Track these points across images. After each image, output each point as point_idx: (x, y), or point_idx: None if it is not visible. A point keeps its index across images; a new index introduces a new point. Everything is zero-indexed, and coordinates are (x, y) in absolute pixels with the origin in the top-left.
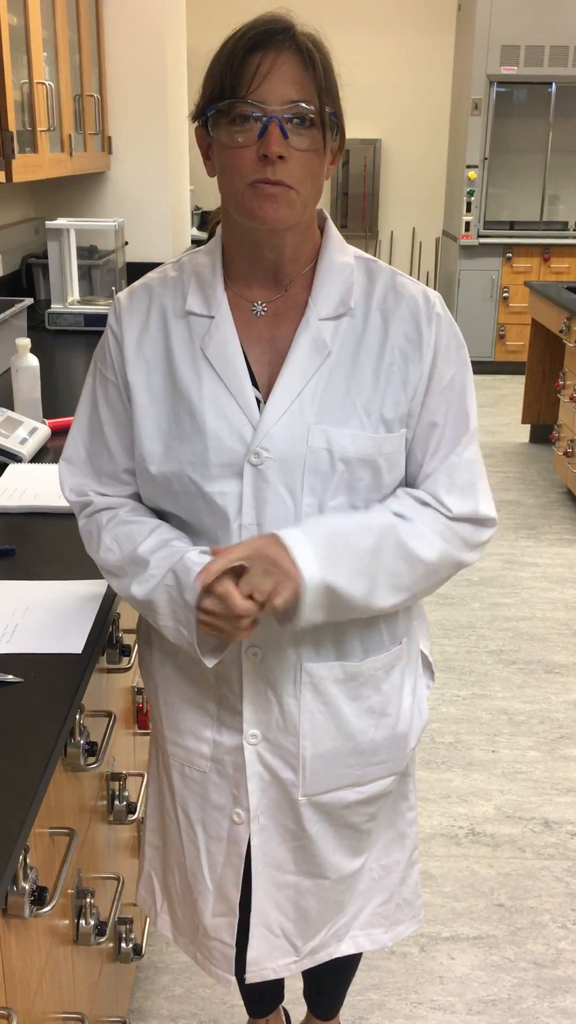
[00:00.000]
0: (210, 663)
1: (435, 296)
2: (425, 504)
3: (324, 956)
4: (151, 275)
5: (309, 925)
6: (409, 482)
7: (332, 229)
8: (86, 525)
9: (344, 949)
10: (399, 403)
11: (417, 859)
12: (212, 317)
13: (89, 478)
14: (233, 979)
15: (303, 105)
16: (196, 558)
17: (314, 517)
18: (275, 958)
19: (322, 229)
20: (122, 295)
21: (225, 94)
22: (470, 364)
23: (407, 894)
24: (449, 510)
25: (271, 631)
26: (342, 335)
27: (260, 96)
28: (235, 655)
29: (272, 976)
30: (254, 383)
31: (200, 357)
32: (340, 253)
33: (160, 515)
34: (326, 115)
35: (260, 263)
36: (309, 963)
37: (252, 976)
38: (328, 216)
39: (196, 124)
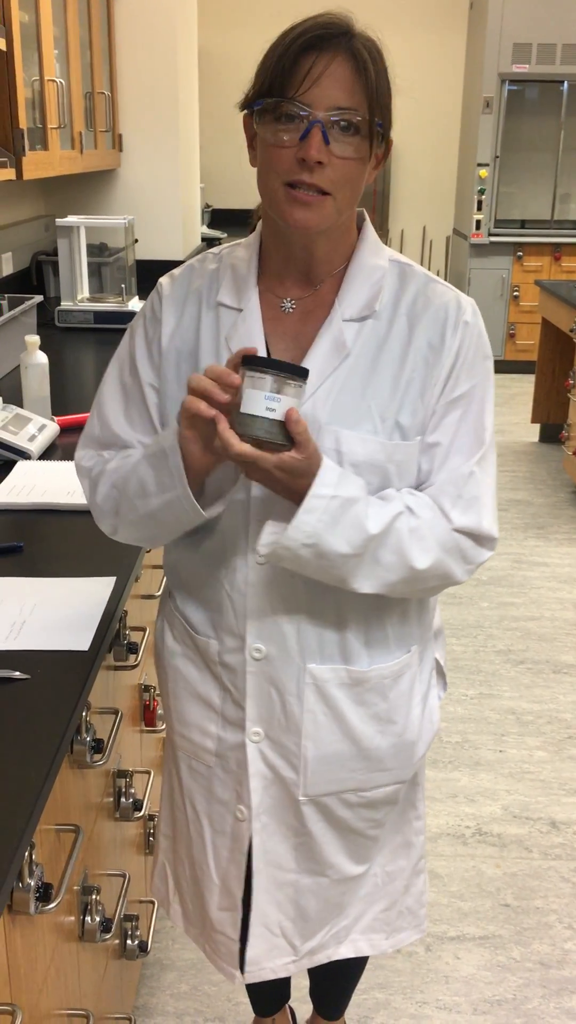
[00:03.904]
0: (211, 512)
1: (468, 303)
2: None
3: (323, 957)
4: (192, 262)
5: (308, 924)
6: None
7: (369, 231)
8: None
9: (344, 952)
10: (416, 411)
11: (423, 868)
12: (240, 310)
13: (98, 446)
14: (238, 974)
15: (350, 113)
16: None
17: (351, 476)
18: (274, 958)
19: (360, 229)
20: (165, 282)
21: (274, 91)
22: (493, 376)
23: (410, 903)
24: (451, 521)
25: (276, 631)
26: (364, 337)
27: (308, 99)
28: (239, 651)
29: (270, 976)
30: None
31: (224, 348)
32: (373, 255)
33: None
34: (374, 125)
35: (293, 261)
36: (308, 963)
37: (251, 976)
38: (367, 217)
39: (244, 112)
